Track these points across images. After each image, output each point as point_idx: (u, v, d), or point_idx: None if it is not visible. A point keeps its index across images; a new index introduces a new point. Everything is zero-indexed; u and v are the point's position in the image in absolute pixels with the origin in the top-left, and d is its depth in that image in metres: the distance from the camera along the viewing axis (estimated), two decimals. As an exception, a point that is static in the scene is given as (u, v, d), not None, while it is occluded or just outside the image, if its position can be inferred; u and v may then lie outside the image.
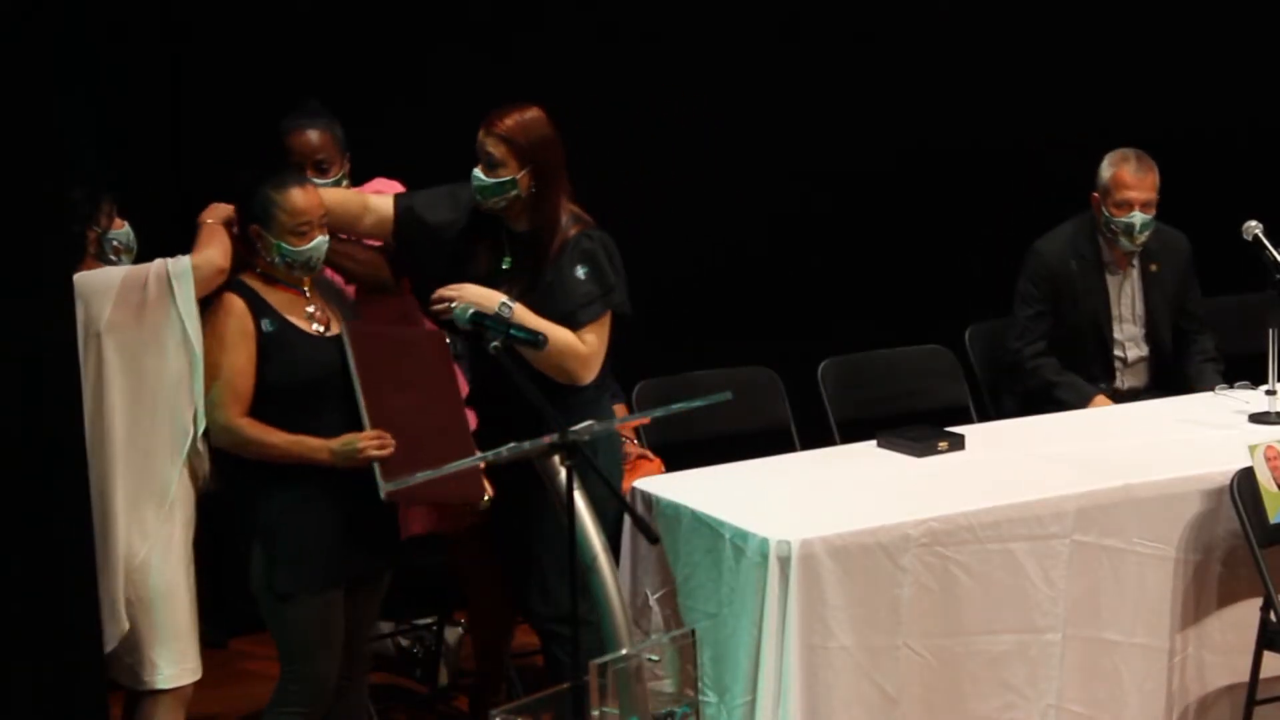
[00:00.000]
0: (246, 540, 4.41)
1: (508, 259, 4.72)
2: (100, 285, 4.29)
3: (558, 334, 4.59)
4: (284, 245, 4.38)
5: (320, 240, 4.43)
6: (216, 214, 4.52)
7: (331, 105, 4.97)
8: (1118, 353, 5.91)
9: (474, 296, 4.58)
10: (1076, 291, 5.84)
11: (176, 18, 5.76)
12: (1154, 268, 5.92)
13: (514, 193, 4.65)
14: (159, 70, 5.78)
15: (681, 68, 6.44)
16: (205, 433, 4.38)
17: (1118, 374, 5.91)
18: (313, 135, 4.86)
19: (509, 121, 4.64)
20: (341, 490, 4.35)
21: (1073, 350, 5.87)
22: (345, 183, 4.91)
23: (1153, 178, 5.78)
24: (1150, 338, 5.93)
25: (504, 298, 4.60)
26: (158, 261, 4.39)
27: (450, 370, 4.64)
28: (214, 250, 4.42)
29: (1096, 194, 5.82)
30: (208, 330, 4.37)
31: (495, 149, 4.63)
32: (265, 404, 4.35)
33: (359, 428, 4.35)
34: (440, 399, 4.56)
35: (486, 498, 4.55)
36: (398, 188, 4.94)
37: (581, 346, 4.65)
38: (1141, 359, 5.95)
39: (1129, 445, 5.06)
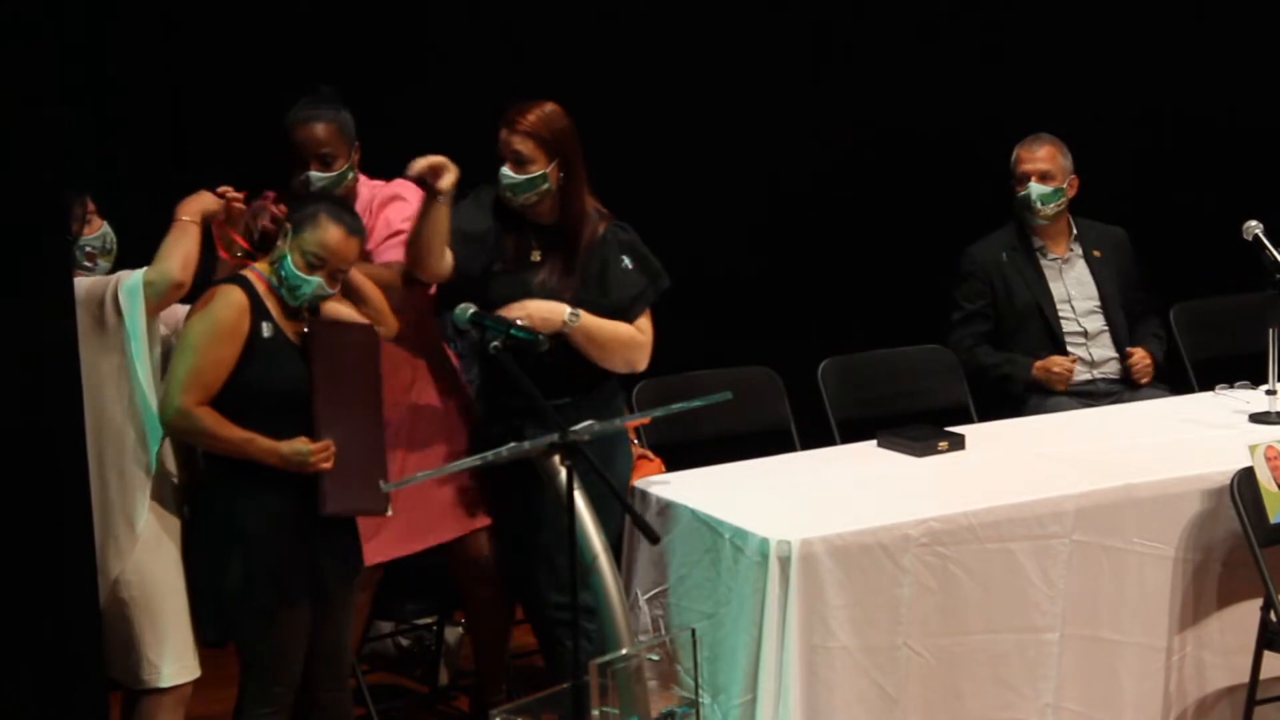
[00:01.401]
0: (220, 546, 4.32)
1: (536, 252, 4.77)
2: None
3: (620, 329, 4.75)
4: (290, 258, 4.30)
5: (319, 283, 4.30)
6: (196, 206, 4.42)
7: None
8: (1075, 327, 5.95)
9: (539, 311, 4.63)
10: (1010, 280, 5.93)
11: (176, 18, 5.76)
12: (1097, 253, 6.03)
13: (545, 186, 4.70)
14: (159, 70, 5.78)
15: (682, 68, 6.44)
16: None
17: (1084, 345, 5.95)
18: (318, 129, 4.76)
19: (531, 117, 4.69)
20: (311, 500, 4.28)
21: (1017, 336, 5.94)
22: (352, 174, 4.83)
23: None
24: (1106, 313, 5.98)
25: (569, 309, 4.65)
26: (118, 275, 4.33)
27: (377, 368, 4.50)
28: (173, 262, 4.33)
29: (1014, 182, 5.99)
30: (200, 312, 4.28)
31: (522, 145, 4.67)
32: (246, 406, 4.25)
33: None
34: (372, 402, 4.47)
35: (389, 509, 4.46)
36: (417, 191, 4.88)
37: (640, 335, 4.80)
38: (1103, 330, 5.99)
39: (1129, 445, 5.06)
